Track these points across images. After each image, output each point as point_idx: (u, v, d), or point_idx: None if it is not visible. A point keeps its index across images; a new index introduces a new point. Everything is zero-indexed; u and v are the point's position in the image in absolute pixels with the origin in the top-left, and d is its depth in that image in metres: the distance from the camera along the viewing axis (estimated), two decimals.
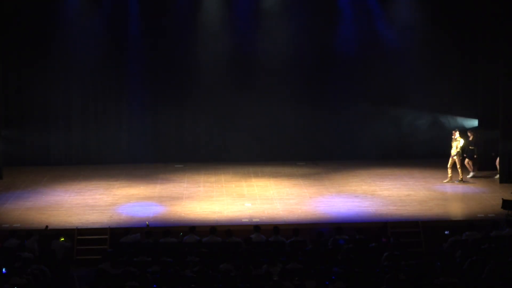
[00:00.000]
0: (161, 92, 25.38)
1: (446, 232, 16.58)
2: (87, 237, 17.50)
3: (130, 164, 24.78)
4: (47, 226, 17.01)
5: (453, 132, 22.14)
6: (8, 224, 18.12)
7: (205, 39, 25.04)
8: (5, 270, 13.76)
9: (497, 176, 22.29)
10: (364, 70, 25.51)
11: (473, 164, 22.75)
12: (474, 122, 24.91)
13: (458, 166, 21.88)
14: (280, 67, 25.19)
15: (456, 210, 19.38)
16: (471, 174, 22.60)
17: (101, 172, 23.78)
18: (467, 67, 24.84)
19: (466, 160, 22.41)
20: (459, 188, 21.58)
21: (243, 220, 18.41)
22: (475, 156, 22.60)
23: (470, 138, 22.48)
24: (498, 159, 22.43)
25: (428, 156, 24.99)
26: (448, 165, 21.97)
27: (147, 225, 17.14)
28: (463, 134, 22.42)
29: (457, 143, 21.90)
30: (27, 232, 16.40)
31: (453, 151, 21.88)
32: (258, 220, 18.23)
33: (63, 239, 16.43)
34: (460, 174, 21.94)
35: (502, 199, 18.63)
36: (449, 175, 21.97)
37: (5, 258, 14.64)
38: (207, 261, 14.33)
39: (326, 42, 25.35)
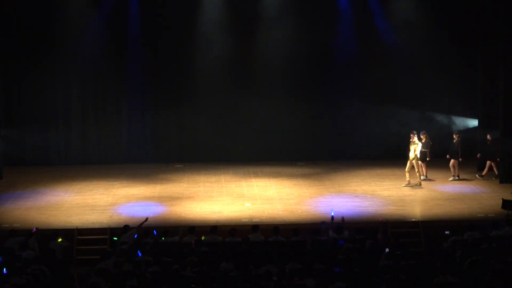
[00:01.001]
0: (161, 92, 25.41)
1: (446, 232, 16.58)
2: (87, 237, 17.50)
3: (130, 164, 24.82)
4: (36, 229, 16.79)
5: (411, 135, 21.65)
6: (8, 224, 18.13)
7: (204, 39, 25.08)
8: (6, 270, 13.75)
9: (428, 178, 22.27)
10: (364, 70, 25.55)
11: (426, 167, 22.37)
12: (474, 122, 24.94)
13: (416, 170, 21.54)
14: (280, 67, 25.23)
15: (456, 210, 19.35)
16: (422, 177, 22.20)
17: (101, 172, 23.80)
18: (467, 67, 24.84)
19: (420, 162, 21.80)
20: (459, 188, 21.58)
21: (243, 220, 18.40)
22: (427, 159, 22.15)
23: (423, 140, 21.99)
24: (452, 161, 22.33)
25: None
26: (406, 169, 21.65)
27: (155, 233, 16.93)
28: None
29: (415, 146, 21.47)
30: (27, 232, 16.38)
31: (411, 155, 21.48)
32: (258, 220, 18.22)
33: (60, 239, 16.42)
34: (419, 178, 21.62)
35: (502, 199, 18.64)
36: (407, 178, 21.70)
37: (5, 258, 14.63)
38: (207, 261, 14.32)
39: (325, 42, 25.38)
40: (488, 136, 22.68)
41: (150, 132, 25.53)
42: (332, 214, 17.06)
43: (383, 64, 25.45)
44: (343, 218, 16.86)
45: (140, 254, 15.08)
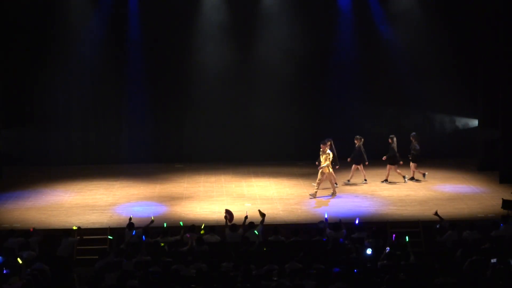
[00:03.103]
0: (161, 92, 25.41)
1: (437, 226, 16.59)
2: (87, 237, 17.47)
3: (130, 164, 24.81)
4: (33, 229, 16.84)
5: (322, 145, 20.52)
6: (8, 224, 18.14)
7: (204, 40, 25.07)
8: (6, 270, 13.76)
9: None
10: (363, 70, 25.55)
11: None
12: (474, 122, 24.95)
13: (317, 180, 20.49)
14: (280, 68, 25.22)
15: (456, 210, 19.36)
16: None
17: (101, 172, 23.79)
18: (467, 67, 24.83)
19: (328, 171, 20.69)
20: (459, 188, 21.59)
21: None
22: (337, 167, 21.31)
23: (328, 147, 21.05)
24: (353, 166, 22.04)
25: (428, 156, 24.99)
26: (330, 180, 20.72)
27: (130, 218, 17.02)
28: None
29: (326, 156, 20.40)
30: (26, 232, 16.39)
31: (323, 165, 20.37)
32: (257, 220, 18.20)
33: (75, 228, 16.59)
34: (332, 187, 20.76)
35: (502, 199, 18.63)
36: (333, 188, 20.86)
37: (5, 258, 14.63)
38: (208, 261, 14.33)
39: (326, 43, 25.39)
40: (390, 140, 22.29)
41: (150, 132, 25.52)
42: (326, 216, 17.04)
43: (383, 65, 25.46)
44: (340, 220, 16.85)
45: (144, 238, 15.59)
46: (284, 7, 25.04)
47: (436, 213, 16.91)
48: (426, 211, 19.18)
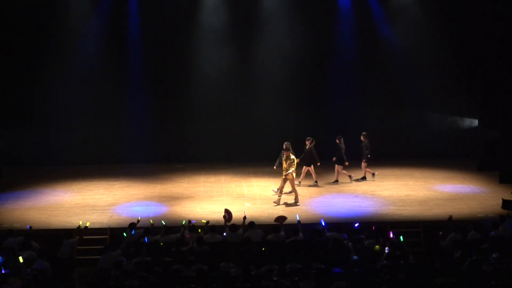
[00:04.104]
0: (161, 92, 25.40)
1: (440, 233, 16.55)
2: (87, 237, 17.48)
3: (130, 164, 24.80)
4: (30, 227, 16.90)
5: (286, 152, 19.96)
6: (8, 224, 18.14)
7: (204, 41, 25.08)
8: (6, 270, 13.76)
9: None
10: (363, 71, 25.55)
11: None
12: (474, 122, 24.95)
13: (292, 188, 20.09)
14: (280, 68, 25.21)
15: (456, 210, 19.35)
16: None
17: (101, 172, 23.78)
18: (467, 67, 24.82)
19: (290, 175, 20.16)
20: (459, 188, 21.58)
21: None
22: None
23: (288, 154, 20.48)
24: (304, 167, 21.78)
25: (428, 156, 25.02)
26: (293, 187, 20.11)
27: (138, 220, 17.06)
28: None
29: (291, 162, 19.80)
30: (26, 232, 16.38)
31: (290, 172, 19.81)
32: (258, 219, 18.19)
33: (88, 224, 16.72)
34: (295, 194, 20.07)
35: (502, 199, 18.63)
36: (294, 195, 20.12)
37: (5, 258, 14.62)
38: (208, 261, 14.33)
39: (325, 43, 25.37)
40: (337, 141, 22.13)
41: (150, 132, 25.50)
42: (323, 224, 16.74)
43: (382, 65, 25.45)
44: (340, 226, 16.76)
45: (146, 240, 15.58)
46: (284, 8, 25.03)
47: (450, 218, 16.88)
48: (426, 211, 19.20)
